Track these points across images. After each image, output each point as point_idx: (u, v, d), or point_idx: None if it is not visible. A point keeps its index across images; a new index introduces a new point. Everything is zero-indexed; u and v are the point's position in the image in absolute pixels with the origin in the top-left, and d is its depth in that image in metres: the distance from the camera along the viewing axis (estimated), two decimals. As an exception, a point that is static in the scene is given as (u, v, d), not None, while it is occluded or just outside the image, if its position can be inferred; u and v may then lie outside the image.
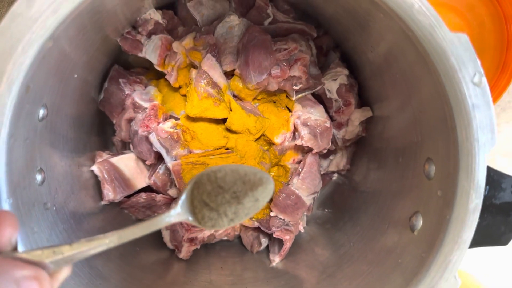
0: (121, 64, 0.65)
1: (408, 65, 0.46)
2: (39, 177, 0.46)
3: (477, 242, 0.42)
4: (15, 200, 0.41)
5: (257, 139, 0.61)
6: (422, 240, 0.45)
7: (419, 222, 0.46)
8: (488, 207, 0.45)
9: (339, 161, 0.71)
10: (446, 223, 0.41)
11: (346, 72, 0.63)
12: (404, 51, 0.45)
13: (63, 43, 0.42)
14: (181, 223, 0.63)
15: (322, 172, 0.71)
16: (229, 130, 0.60)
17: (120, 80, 0.63)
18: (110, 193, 0.61)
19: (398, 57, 0.48)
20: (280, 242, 0.65)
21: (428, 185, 0.46)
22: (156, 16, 0.60)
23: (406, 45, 0.43)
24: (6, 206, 0.40)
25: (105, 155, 0.63)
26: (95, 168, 0.61)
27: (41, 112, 0.44)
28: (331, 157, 0.71)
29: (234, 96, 0.62)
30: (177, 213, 0.39)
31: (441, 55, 0.39)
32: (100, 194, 0.62)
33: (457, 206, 0.41)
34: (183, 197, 0.40)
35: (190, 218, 0.39)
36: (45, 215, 0.46)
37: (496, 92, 0.71)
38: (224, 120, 0.59)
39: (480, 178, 0.40)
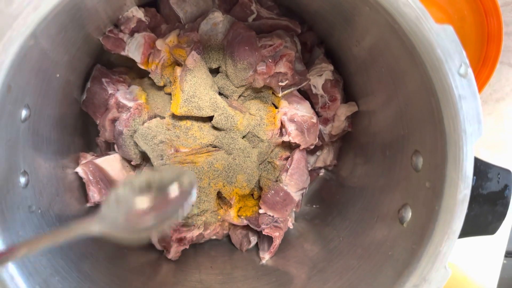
0: (103, 64, 0.64)
1: (393, 58, 0.46)
2: (23, 180, 0.45)
3: (465, 232, 0.42)
4: (-2, 203, 0.40)
5: (244, 136, 0.61)
6: (412, 232, 0.45)
7: (408, 214, 0.47)
8: (475, 197, 0.45)
9: (326, 157, 0.71)
10: (435, 214, 0.42)
11: (331, 67, 0.63)
12: (389, 44, 0.45)
13: (44, 42, 0.41)
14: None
15: (309, 168, 0.71)
16: (215, 127, 0.59)
17: (103, 80, 0.62)
18: (95, 195, 0.60)
19: (383, 51, 0.48)
20: (270, 239, 0.65)
21: (416, 177, 0.46)
22: (138, 13, 0.59)
23: (392, 38, 0.43)
24: (-11, 210, 0.39)
25: (89, 157, 0.62)
26: (79, 169, 0.60)
27: (24, 113, 0.43)
28: (318, 153, 0.71)
29: (220, 93, 0.61)
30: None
31: (428, 47, 0.39)
32: (85, 196, 0.61)
33: (446, 197, 0.41)
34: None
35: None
36: (30, 218, 0.45)
37: (478, 85, 0.72)
38: (210, 118, 0.59)
39: (468, 168, 0.40)
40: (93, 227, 0.34)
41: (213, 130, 0.60)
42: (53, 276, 0.46)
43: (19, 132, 0.43)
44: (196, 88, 0.56)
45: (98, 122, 0.64)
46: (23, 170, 0.45)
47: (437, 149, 0.42)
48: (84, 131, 0.67)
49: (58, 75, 0.50)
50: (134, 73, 0.66)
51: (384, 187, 0.55)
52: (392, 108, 0.52)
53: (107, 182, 0.61)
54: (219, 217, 0.65)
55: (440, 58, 0.39)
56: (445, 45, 0.38)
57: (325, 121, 0.65)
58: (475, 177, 0.43)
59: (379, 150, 0.58)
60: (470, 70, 0.39)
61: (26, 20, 0.36)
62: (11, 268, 0.41)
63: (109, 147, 0.67)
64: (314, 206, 0.74)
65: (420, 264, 0.42)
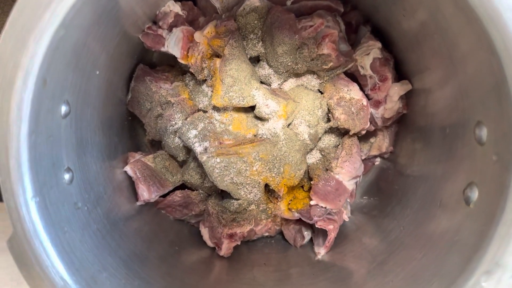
0: (146, 65, 0.64)
1: (446, 21, 0.42)
2: (67, 176, 0.45)
3: (543, 209, 0.37)
4: (42, 198, 0.40)
5: (289, 124, 0.58)
6: (480, 212, 0.40)
7: (475, 194, 0.42)
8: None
9: (381, 144, 0.66)
10: (505, 189, 0.37)
11: (379, 44, 0.59)
12: (441, 7, 0.41)
13: (76, 33, 0.41)
14: (218, 218, 0.60)
15: (363, 157, 0.66)
16: (258, 117, 0.57)
17: (146, 78, 0.62)
18: (145, 193, 0.60)
19: (435, 16, 0.44)
20: (324, 233, 0.61)
21: (481, 151, 0.41)
22: (175, 8, 0.58)
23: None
24: (32, 205, 0.39)
25: (137, 155, 0.62)
26: (128, 168, 0.60)
27: (63, 108, 0.44)
28: (371, 140, 0.67)
29: (262, 82, 0.59)
30: None
31: (482, -2, 0.35)
32: (135, 195, 0.61)
33: (517, 168, 0.36)
34: None
35: None
36: (76, 215, 0.46)
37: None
38: (252, 108, 0.57)
39: (541, 133, 0.35)
40: None
41: (256, 120, 0.58)
42: (100, 272, 0.45)
43: (61, 128, 0.44)
44: (236, 78, 0.55)
45: (144, 121, 0.64)
46: (67, 166, 0.45)
47: (502, 116, 0.37)
48: (132, 132, 0.68)
49: (97, 72, 0.50)
50: (176, 71, 0.65)
51: (446, 169, 0.50)
52: (450, 80, 0.47)
53: (155, 179, 0.61)
54: (269, 212, 0.62)
55: (497, 10, 0.34)
56: (502, -7, 0.34)
57: (377, 104, 0.61)
58: (550, 144, 0.38)
59: (438, 129, 0.53)
60: (534, 19, 0.34)
61: (54, 10, 0.36)
62: (58, 264, 0.41)
63: (156, 146, 0.68)
64: (371, 198, 0.70)
65: (491, 247, 0.38)
